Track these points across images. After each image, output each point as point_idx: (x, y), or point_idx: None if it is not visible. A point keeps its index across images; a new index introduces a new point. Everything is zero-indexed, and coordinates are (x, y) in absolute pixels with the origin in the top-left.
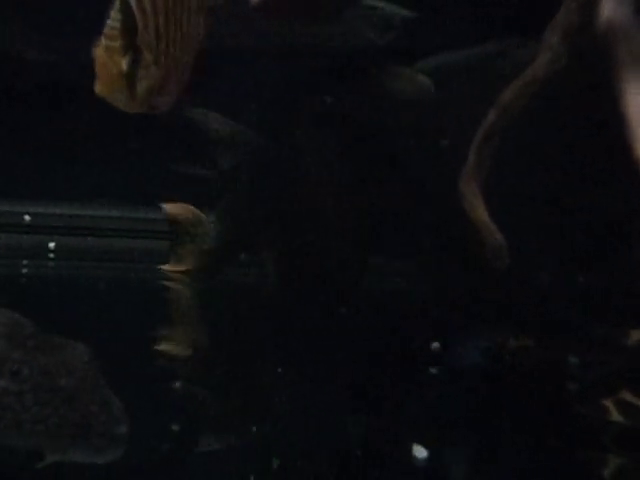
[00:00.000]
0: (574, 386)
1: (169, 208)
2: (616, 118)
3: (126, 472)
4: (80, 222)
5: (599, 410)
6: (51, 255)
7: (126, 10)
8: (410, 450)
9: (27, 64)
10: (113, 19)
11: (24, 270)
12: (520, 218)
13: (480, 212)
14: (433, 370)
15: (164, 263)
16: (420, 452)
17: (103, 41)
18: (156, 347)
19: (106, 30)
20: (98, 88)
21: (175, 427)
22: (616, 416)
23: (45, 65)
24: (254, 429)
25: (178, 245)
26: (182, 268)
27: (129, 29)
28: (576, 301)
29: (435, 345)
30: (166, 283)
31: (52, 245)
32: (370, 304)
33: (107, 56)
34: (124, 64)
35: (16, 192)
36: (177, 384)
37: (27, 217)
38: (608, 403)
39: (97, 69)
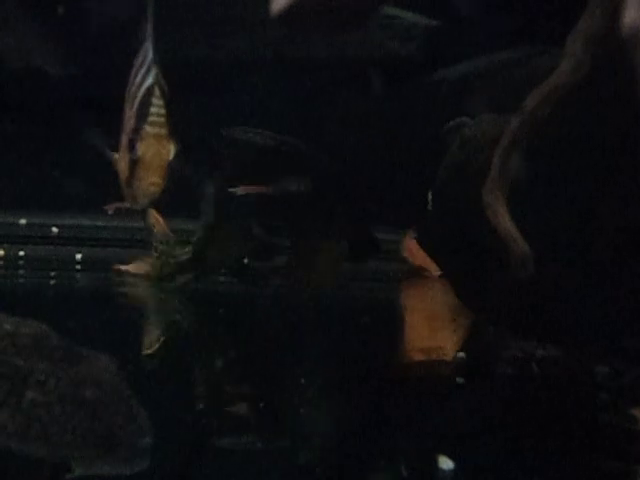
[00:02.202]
0: (603, 396)
1: (149, 217)
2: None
3: None
4: (105, 234)
5: (628, 420)
6: (77, 267)
7: (165, 97)
8: (436, 462)
9: (48, 79)
10: (156, 106)
11: (52, 281)
12: (548, 226)
13: (505, 221)
14: (459, 380)
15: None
16: (446, 464)
17: (149, 130)
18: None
19: (152, 119)
20: (154, 181)
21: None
22: None
23: (66, 79)
24: (274, 439)
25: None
26: (141, 272)
27: (168, 115)
28: (605, 310)
29: (460, 355)
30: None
31: (79, 257)
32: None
33: (157, 144)
34: (172, 150)
35: (44, 204)
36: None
37: (55, 229)
38: (637, 413)
39: (146, 160)
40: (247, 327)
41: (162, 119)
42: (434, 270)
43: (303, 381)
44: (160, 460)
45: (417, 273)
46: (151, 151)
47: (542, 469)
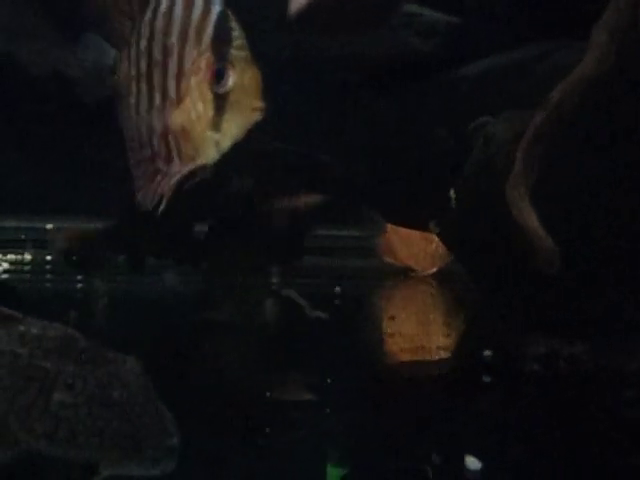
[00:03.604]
0: (631, 392)
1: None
2: None
3: None
4: None
5: None
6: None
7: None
8: (463, 462)
9: (67, 81)
10: (236, 29)
11: (79, 285)
12: (574, 222)
13: (529, 217)
14: (487, 378)
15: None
16: (474, 464)
17: (238, 53)
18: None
19: (237, 42)
20: (257, 106)
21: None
22: None
23: (86, 82)
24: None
25: None
26: None
27: None
28: (633, 306)
29: (487, 353)
30: None
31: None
32: None
33: (251, 66)
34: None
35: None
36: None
37: None
38: None
39: (244, 85)
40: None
41: (245, 41)
42: (421, 269)
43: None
44: (186, 460)
45: (403, 272)
46: (248, 75)
47: (570, 467)
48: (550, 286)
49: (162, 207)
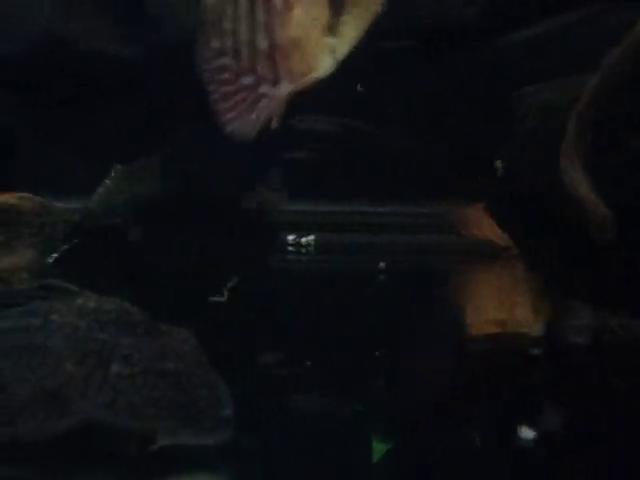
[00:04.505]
0: None
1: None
2: None
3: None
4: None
5: None
6: None
7: None
8: (516, 432)
9: (110, 59)
10: None
11: None
12: (622, 192)
13: (582, 186)
14: (535, 351)
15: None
16: (526, 433)
17: None
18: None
19: None
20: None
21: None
22: None
23: (129, 60)
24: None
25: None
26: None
27: None
28: None
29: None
30: None
31: None
32: None
33: None
34: None
35: None
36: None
37: None
38: None
39: None
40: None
41: None
42: (502, 242)
43: (377, 353)
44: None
45: (484, 246)
46: None
47: (620, 438)
48: (599, 258)
49: (274, 125)
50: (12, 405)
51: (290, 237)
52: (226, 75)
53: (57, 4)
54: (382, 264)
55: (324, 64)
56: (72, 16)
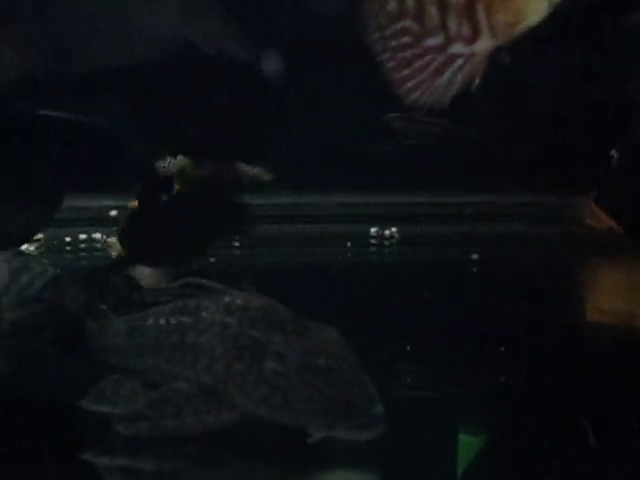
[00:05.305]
0: None
1: None
2: None
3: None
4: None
5: None
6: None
7: None
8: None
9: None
10: None
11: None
12: None
13: None
14: None
15: None
16: None
17: None
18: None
19: None
20: None
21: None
22: None
23: (243, 66)
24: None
25: None
26: None
27: None
28: None
29: None
30: None
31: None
32: None
33: None
34: None
35: None
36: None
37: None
38: None
39: None
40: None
41: None
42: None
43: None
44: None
45: (604, 237)
46: None
47: None
48: None
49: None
50: (174, 399)
51: (372, 230)
52: (406, 39)
53: (182, 10)
54: (475, 255)
55: (538, 9)
56: (189, 17)
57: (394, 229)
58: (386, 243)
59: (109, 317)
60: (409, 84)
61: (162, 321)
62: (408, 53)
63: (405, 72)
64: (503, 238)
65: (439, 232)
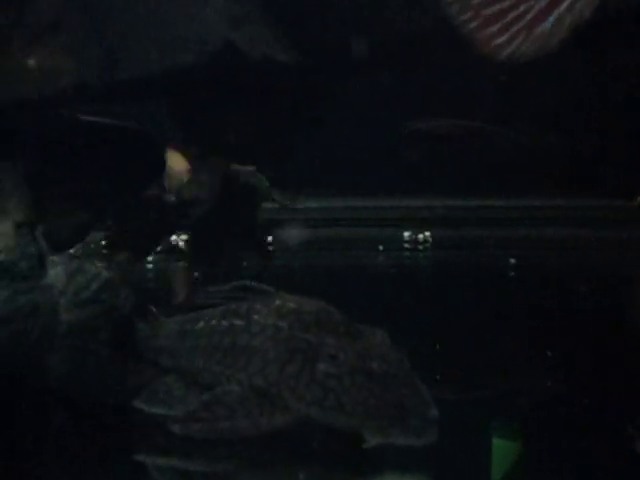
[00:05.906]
0: None
1: None
2: None
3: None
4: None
5: None
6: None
7: None
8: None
9: (275, 66)
10: None
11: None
12: None
13: None
14: None
15: None
16: None
17: None
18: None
19: None
20: None
21: None
22: None
23: (295, 67)
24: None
25: None
26: None
27: None
28: None
29: None
30: None
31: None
32: None
33: None
34: None
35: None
36: None
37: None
38: None
39: None
40: None
41: None
42: None
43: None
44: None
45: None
46: None
47: None
48: None
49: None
50: (227, 401)
51: (406, 234)
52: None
53: (220, 10)
54: (512, 260)
55: None
56: (234, 22)
57: (427, 233)
58: (420, 247)
59: (159, 319)
60: (498, 40)
61: (214, 323)
62: (496, 8)
63: (493, 28)
64: (540, 242)
65: (474, 235)
